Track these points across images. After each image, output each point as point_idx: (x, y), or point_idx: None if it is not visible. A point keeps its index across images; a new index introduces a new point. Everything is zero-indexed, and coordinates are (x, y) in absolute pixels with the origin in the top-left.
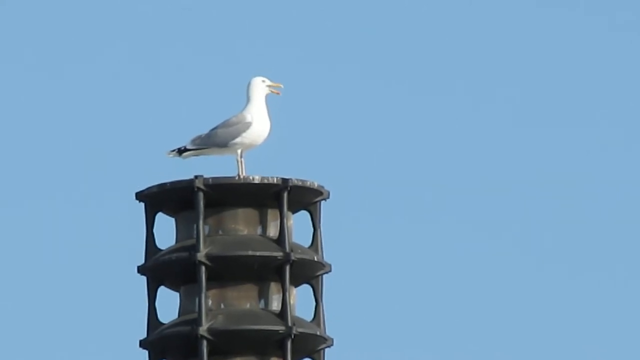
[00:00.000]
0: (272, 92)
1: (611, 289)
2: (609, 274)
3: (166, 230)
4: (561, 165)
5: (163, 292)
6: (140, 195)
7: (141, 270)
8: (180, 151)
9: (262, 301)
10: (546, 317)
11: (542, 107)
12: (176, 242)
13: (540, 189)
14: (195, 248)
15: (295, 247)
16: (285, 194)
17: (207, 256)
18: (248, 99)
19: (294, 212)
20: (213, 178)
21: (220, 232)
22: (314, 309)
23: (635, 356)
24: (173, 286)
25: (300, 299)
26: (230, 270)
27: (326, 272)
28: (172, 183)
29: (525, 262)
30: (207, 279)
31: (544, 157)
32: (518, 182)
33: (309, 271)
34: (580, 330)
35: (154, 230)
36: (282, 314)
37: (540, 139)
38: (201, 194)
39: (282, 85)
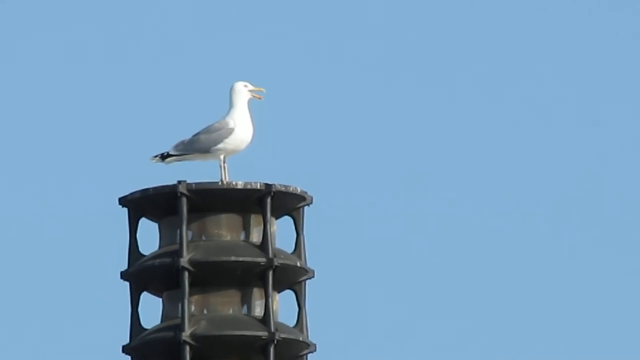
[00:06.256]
0: (254, 96)
1: (613, 289)
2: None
3: (149, 236)
4: (559, 166)
5: (146, 297)
6: (123, 201)
7: (124, 275)
8: (164, 157)
9: (245, 307)
10: (537, 325)
11: (535, 109)
12: (159, 247)
13: (533, 194)
14: (178, 254)
15: (278, 253)
16: (269, 200)
17: (190, 262)
18: (231, 105)
19: (277, 217)
20: (196, 183)
21: (203, 238)
22: (297, 315)
23: None
24: (156, 292)
25: (283, 305)
26: (213, 275)
27: (309, 278)
28: (155, 188)
29: (507, 273)
30: (190, 285)
31: (540, 160)
32: (505, 188)
33: (292, 277)
34: (580, 330)
35: (137, 235)
36: (265, 320)
37: (532, 143)
38: (184, 200)
39: (264, 90)
